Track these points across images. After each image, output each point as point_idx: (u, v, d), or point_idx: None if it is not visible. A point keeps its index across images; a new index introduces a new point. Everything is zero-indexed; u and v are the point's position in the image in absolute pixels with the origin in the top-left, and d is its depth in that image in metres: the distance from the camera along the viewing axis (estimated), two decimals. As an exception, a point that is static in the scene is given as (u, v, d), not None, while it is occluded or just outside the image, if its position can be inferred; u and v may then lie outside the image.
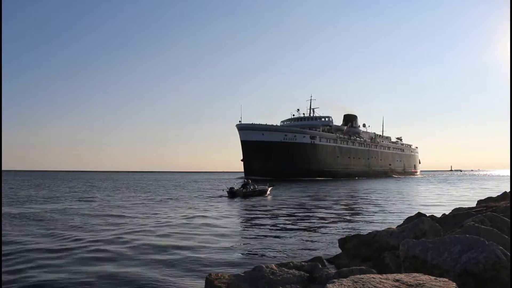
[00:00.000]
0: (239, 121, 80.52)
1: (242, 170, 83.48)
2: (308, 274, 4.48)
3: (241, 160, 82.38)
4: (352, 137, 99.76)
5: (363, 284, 3.05)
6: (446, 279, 3.15)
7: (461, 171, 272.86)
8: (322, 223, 15.01)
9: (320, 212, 18.95)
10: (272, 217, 16.94)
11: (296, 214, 18.21)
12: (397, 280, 3.12)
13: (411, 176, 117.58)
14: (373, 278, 3.21)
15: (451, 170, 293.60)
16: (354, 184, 55.98)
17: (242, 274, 4.52)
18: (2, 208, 19.59)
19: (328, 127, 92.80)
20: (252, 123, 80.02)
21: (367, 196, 30.67)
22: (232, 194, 28.39)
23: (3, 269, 7.64)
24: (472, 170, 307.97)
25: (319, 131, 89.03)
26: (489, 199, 13.85)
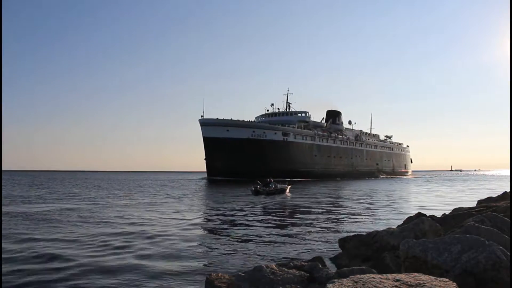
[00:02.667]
0: (201, 116, 72.49)
1: (205, 170, 75.80)
2: (308, 274, 4.48)
3: (205, 159, 74.92)
4: (333, 134, 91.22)
5: (363, 284, 3.05)
6: (446, 279, 3.16)
7: (461, 171, 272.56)
8: (322, 223, 15.00)
9: (319, 212, 18.95)
10: (272, 217, 16.94)
11: (295, 214, 18.20)
12: (398, 280, 3.12)
13: (401, 176, 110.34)
14: (374, 278, 3.21)
15: (451, 170, 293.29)
16: (318, 186, 49.39)
17: (242, 274, 4.52)
18: None
19: (304, 123, 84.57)
20: (217, 118, 72.01)
21: (351, 197, 30.67)
22: (257, 192, 30.41)
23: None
24: (475, 170, 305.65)
25: (295, 127, 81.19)
26: (489, 199, 13.84)
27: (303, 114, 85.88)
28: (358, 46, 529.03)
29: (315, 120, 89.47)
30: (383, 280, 3.12)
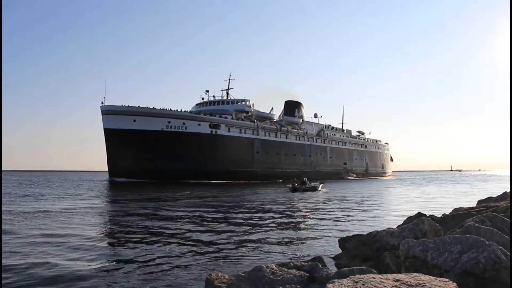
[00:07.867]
0: (102, 103, 58.04)
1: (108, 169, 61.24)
2: (308, 274, 4.48)
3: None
4: (284, 128, 76.58)
5: (363, 284, 3.05)
6: (446, 279, 3.16)
7: (460, 171, 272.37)
8: (322, 223, 15.01)
9: (320, 212, 18.95)
10: (271, 217, 16.95)
11: (294, 214, 18.21)
12: (398, 280, 3.12)
13: (376, 177, 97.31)
14: (373, 278, 3.22)
15: (451, 170, 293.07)
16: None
17: (242, 274, 4.52)
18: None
19: (244, 113, 70.46)
20: (121, 105, 58.03)
21: (362, 197, 30.66)
22: (294, 189, 35.13)
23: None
24: (480, 170, 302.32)
25: (231, 118, 67.44)
26: (489, 199, 13.85)
27: (242, 103, 71.04)
28: (355, 44, 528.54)
29: (262, 110, 75.34)
30: (383, 280, 3.12)
